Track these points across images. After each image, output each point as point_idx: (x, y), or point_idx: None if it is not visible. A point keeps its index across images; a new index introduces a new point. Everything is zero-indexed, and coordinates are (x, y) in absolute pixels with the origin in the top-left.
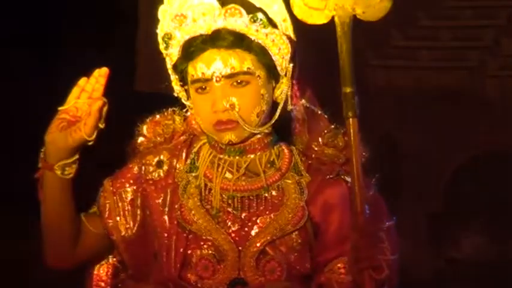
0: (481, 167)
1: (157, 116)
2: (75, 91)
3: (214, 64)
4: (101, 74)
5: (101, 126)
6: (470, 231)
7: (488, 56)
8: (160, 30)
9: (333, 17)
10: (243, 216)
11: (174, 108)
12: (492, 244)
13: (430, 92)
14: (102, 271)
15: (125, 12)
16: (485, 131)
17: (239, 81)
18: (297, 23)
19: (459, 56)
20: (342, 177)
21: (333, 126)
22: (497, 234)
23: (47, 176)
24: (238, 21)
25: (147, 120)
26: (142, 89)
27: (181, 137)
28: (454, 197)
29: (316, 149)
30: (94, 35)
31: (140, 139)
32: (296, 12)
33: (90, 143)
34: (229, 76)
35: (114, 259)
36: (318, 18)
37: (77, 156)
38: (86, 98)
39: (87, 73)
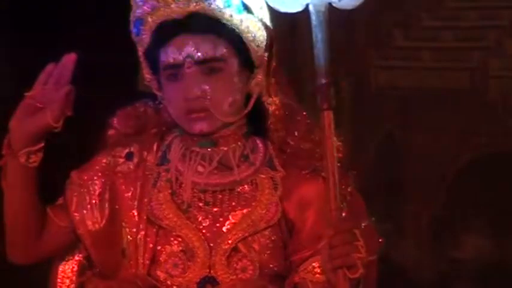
0: (483, 167)
1: (128, 108)
2: (42, 77)
3: (186, 49)
4: (68, 60)
5: (68, 113)
6: (473, 232)
7: (490, 56)
8: (132, 16)
9: (307, 5)
10: (214, 211)
11: (146, 100)
12: (495, 245)
13: (433, 92)
14: (67, 268)
15: (128, 12)
16: (488, 131)
17: (212, 68)
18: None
19: (461, 56)
20: (319, 173)
21: (309, 121)
22: (500, 235)
23: (11, 164)
24: (212, 5)
25: (118, 112)
26: (146, 89)
27: (153, 130)
28: (457, 197)
29: (292, 143)
30: (97, 35)
31: (110, 131)
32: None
33: (56, 130)
34: (202, 62)
35: (80, 255)
36: (292, 6)
37: (42, 144)
38: (53, 84)
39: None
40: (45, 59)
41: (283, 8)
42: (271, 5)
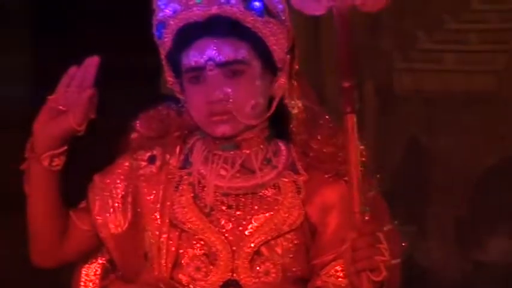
0: (508, 170)
1: (151, 111)
2: (65, 80)
3: (208, 52)
4: (91, 63)
5: (91, 116)
6: (497, 235)
7: None
8: (154, 19)
9: (330, 8)
10: (237, 215)
11: (169, 103)
12: None
13: (457, 95)
14: (90, 271)
15: (151, 15)
16: None
17: (233, 70)
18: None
19: (486, 59)
20: (342, 176)
21: (332, 124)
22: None
23: (33, 167)
24: (233, 8)
25: (141, 115)
26: (169, 93)
27: (176, 133)
28: (481, 200)
29: (314, 147)
30: (120, 37)
31: (133, 134)
32: (293, 2)
33: (79, 134)
34: (224, 65)
35: (103, 259)
36: (316, 9)
37: (65, 147)
38: (76, 87)
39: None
40: (67, 61)
41: (307, 11)
42: (295, 7)
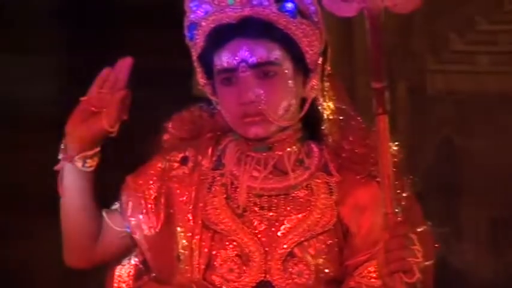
0: None
1: (184, 112)
2: (97, 81)
3: (241, 53)
4: (124, 64)
5: (124, 117)
6: None
7: None
8: (186, 21)
9: (362, 10)
10: (269, 216)
11: (202, 105)
12: None
13: (491, 96)
14: (124, 272)
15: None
16: None
17: (266, 72)
18: (326, 14)
19: None
20: (374, 177)
21: (364, 125)
22: None
23: (67, 168)
24: (266, 10)
25: (174, 116)
26: (200, 94)
27: (208, 134)
28: None
29: (347, 148)
30: (151, 39)
31: (165, 135)
32: (324, 3)
33: (112, 135)
34: (256, 66)
35: (137, 260)
36: (347, 11)
37: (98, 149)
38: (109, 88)
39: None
40: (99, 62)
41: (339, 13)
42: (327, 9)
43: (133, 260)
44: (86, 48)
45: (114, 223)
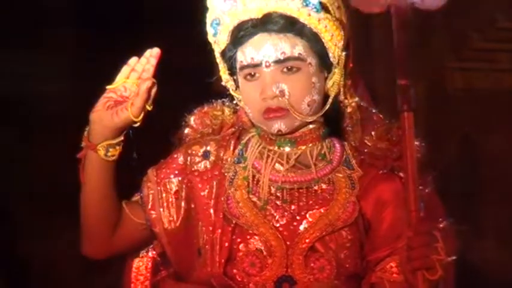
0: None
1: (206, 107)
2: (124, 70)
3: (264, 48)
4: (152, 55)
5: (149, 108)
6: None
7: None
8: (209, 17)
9: (389, 6)
10: (291, 210)
11: (224, 100)
12: None
13: (510, 94)
14: (141, 264)
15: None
16: None
17: (289, 67)
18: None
19: None
20: (396, 173)
21: (387, 121)
22: None
23: (89, 156)
24: (290, 5)
25: (195, 111)
26: (220, 90)
27: (230, 129)
28: None
29: (369, 143)
30: (173, 35)
31: (187, 130)
32: (351, 0)
33: (136, 125)
34: (280, 61)
35: (154, 252)
36: (374, 7)
37: (121, 138)
38: (136, 78)
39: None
40: (122, 58)
41: (366, 9)
42: (353, 5)
43: (151, 253)
44: (103, 44)
45: (134, 215)
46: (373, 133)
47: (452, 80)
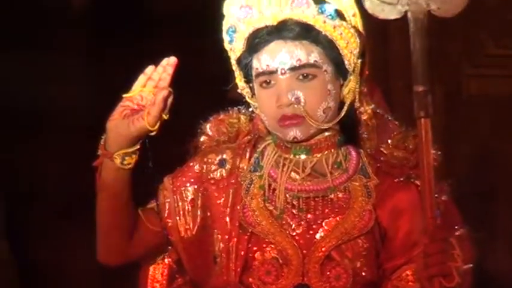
0: None
1: (222, 115)
2: (141, 79)
3: (280, 56)
4: (169, 63)
5: (165, 117)
6: None
7: None
8: (225, 24)
9: (405, 13)
10: (307, 218)
11: (240, 107)
12: None
13: None
14: (157, 271)
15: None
16: None
17: (305, 74)
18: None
19: None
20: (412, 181)
21: (403, 129)
22: None
23: (105, 164)
24: (305, 12)
25: (211, 118)
26: (236, 97)
27: (246, 137)
28: None
29: (385, 151)
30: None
31: (203, 138)
32: (367, 6)
33: (152, 134)
34: (295, 68)
35: (170, 259)
36: (390, 13)
37: (137, 147)
38: (152, 87)
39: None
40: (138, 66)
41: (382, 15)
42: (370, 12)
43: (167, 260)
44: (122, 51)
45: (150, 222)
46: (389, 141)
47: (468, 86)
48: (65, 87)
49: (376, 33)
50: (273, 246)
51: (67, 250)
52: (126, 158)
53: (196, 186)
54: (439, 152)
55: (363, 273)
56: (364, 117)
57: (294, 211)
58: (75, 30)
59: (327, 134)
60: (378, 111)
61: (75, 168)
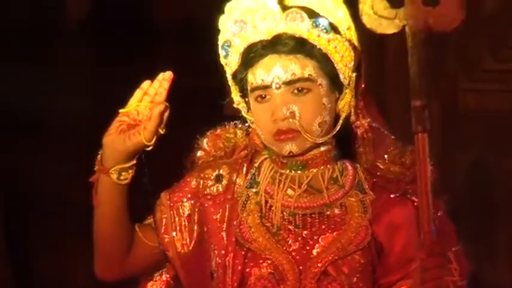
0: None
1: (218, 130)
2: (137, 94)
3: (274, 70)
4: (165, 78)
5: (161, 131)
6: None
7: None
8: (220, 39)
9: (403, 27)
10: (304, 235)
11: (236, 122)
12: None
13: None
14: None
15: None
16: None
17: (300, 88)
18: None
19: None
20: (408, 196)
21: (400, 144)
22: None
23: (102, 180)
24: (299, 26)
25: (208, 133)
26: (230, 113)
27: (242, 152)
28: None
29: (381, 166)
30: (184, 58)
31: (200, 153)
32: (365, 20)
33: (149, 149)
34: (290, 83)
35: (168, 275)
36: (388, 28)
37: (134, 162)
38: (148, 101)
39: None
40: (130, 78)
41: (380, 30)
42: (368, 26)
43: (165, 276)
44: (117, 64)
45: (147, 238)
46: (386, 156)
47: (465, 101)
48: (62, 98)
49: (373, 47)
50: (269, 262)
51: (64, 266)
52: (123, 173)
53: (193, 202)
54: (436, 167)
55: None
56: (361, 130)
57: (290, 227)
58: (74, 41)
59: (322, 148)
60: (374, 124)
61: (74, 181)
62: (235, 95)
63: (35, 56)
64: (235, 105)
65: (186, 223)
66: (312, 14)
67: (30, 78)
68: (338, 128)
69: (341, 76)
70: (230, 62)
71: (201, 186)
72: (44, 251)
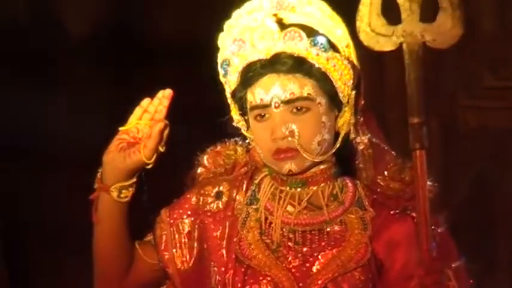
0: None
1: (219, 147)
2: (137, 112)
3: (273, 89)
4: (164, 96)
5: (161, 149)
6: None
7: None
8: (220, 58)
9: (401, 44)
10: (304, 251)
11: (236, 139)
12: None
13: None
14: None
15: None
16: None
17: (299, 107)
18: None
19: None
20: (408, 213)
21: (400, 160)
22: None
23: (102, 198)
24: (298, 45)
25: (208, 150)
26: (232, 132)
27: (243, 169)
28: None
29: (381, 183)
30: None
31: (200, 169)
32: (362, 38)
33: (149, 167)
34: (289, 102)
35: None
36: (385, 45)
37: (134, 180)
38: (148, 119)
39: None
40: (133, 98)
41: (377, 47)
42: (365, 43)
43: None
44: (116, 83)
45: (147, 255)
46: (385, 173)
47: (465, 118)
48: (63, 118)
49: (372, 64)
50: (269, 278)
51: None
52: (123, 191)
53: (192, 219)
54: (436, 184)
55: None
56: (361, 147)
57: (290, 244)
58: (73, 62)
59: (322, 166)
60: (374, 140)
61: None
62: (235, 113)
63: (33, 77)
64: (234, 124)
65: (186, 240)
66: (311, 32)
67: (28, 99)
68: (338, 145)
69: (340, 94)
70: (229, 81)
71: (201, 203)
72: (44, 270)
